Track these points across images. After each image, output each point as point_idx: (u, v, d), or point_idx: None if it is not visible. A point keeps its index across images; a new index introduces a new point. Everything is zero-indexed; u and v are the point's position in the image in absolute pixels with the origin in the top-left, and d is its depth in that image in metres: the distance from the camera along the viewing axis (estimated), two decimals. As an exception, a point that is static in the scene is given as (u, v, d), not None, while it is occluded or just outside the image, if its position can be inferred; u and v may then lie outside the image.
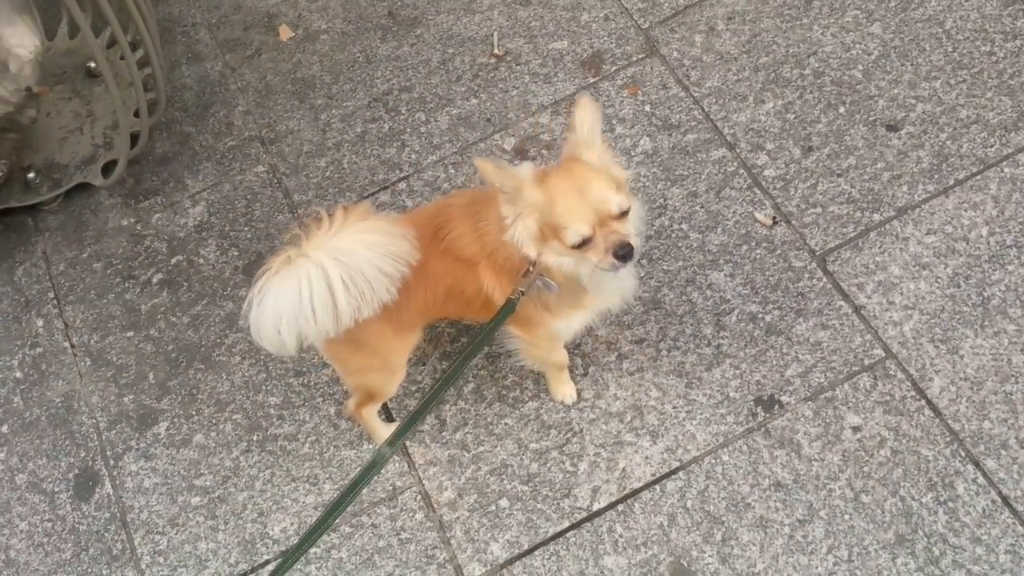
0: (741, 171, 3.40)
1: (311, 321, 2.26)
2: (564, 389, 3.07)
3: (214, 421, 3.24)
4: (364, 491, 3.01)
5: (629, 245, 2.32)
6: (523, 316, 2.61)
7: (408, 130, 3.74)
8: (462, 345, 3.22)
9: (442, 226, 2.56)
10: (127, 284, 3.58)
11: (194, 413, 3.27)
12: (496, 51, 3.87)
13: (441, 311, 2.84)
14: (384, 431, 3.02)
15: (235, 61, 4.07)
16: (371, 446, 3.10)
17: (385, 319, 2.47)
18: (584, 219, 2.30)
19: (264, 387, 3.27)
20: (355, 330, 2.40)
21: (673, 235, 3.31)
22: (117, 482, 3.20)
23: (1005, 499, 2.75)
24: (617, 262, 2.33)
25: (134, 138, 3.69)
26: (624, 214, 2.34)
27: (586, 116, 2.36)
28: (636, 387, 3.06)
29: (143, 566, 3.05)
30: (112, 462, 3.24)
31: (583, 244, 2.32)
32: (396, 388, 2.94)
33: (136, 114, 3.70)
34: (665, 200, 3.38)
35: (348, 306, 2.26)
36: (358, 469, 2.85)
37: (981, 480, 2.79)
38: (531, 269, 2.46)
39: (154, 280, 3.57)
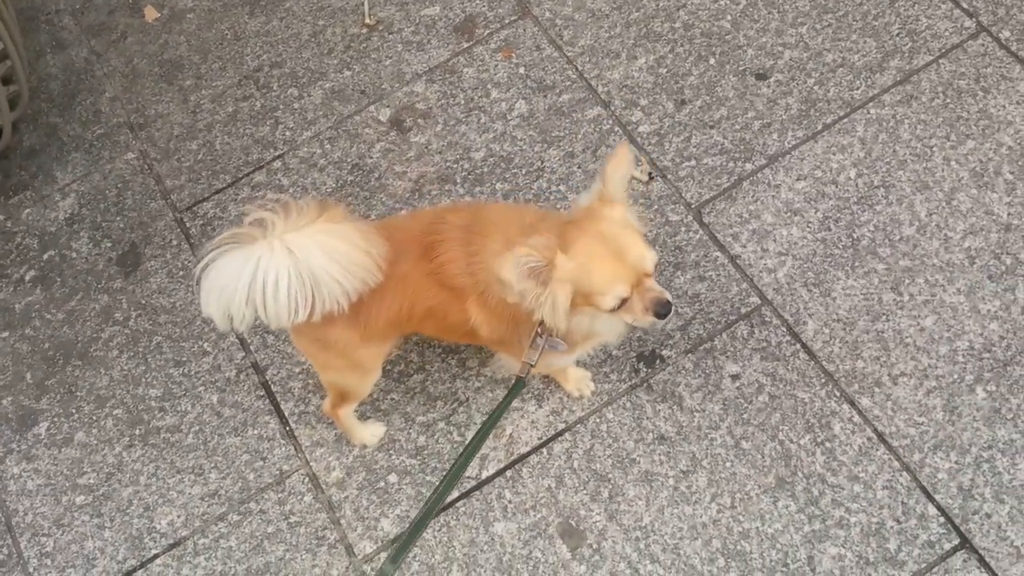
0: (616, 129, 3.39)
1: (242, 305, 2.21)
2: (573, 384, 2.98)
3: (95, 418, 3.17)
4: (251, 476, 3.00)
5: (669, 303, 2.26)
6: (515, 347, 2.54)
7: (281, 107, 3.65)
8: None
9: (433, 245, 2.43)
10: (0, 284, 3.47)
11: (74, 411, 3.19)
12: (367, 20, 3.79)
13: (417, 327, 2.69)
14: (360, 431, 2.95)
15: (101, 46, 3.94)
16: (254, 432, 3.06)
17: (352, 324, 2.40)
18: (625, 281, 2.23)
19: (144, 380, 3.20)
20: (320, 329, 2.35)
21: (551, 197, 3.30)
22: (0, 486, 3.12)
23: (880, 435, 2.81)
24: (658, 320, 2.28)
25: (-3, 133, 3.57)
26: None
27: (620, 169, 2.24)
28: (520, 352, 3.05)
29: (31, 569, 2.98)
30: (-7, 467, 3.16)
31: (620, 305, 2.26)
32: (369, 389, 2.84)
33: (-2, 108, 3.57)
34: (542, 162, 3.36)
35: (287, 303, 2.20)
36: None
37: (856, 419, 2.84)
38: (539, 335, 2.41)
39: (27, 277, 3.46)
